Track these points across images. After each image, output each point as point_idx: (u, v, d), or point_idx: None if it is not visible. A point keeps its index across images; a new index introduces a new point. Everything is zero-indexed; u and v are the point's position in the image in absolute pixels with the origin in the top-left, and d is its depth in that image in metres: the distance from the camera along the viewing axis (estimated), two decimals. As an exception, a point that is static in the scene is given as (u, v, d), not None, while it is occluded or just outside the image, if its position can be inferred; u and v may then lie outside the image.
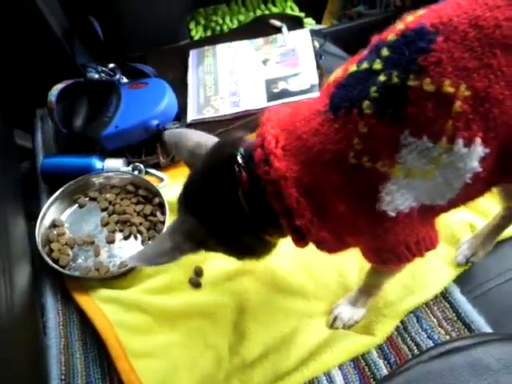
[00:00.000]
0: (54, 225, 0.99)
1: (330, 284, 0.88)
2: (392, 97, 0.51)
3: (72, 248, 0.96)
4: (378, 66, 0.53)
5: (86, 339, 0.85)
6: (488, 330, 0.78)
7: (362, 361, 0.79)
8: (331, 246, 0.65)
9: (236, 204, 0.61)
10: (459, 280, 0.85)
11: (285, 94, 1.15)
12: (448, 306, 0.83)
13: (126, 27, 1.19)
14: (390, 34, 0.54)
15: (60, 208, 1.01)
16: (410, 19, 0.54)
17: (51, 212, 0.99)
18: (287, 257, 0.92)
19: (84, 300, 0.88)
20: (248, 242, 0.66)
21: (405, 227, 0.60)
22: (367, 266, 0.86)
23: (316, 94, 1.16)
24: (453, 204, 0.61)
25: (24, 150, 1.18)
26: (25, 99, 1.19)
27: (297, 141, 0.57)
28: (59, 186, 1.01)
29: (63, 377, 0.81)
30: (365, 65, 0.54)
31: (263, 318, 0.85)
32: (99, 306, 0.86)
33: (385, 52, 0.53)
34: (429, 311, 0.83)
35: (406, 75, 0.50)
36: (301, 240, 0.61)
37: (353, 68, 0.56)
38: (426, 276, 0.84)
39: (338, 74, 0.58)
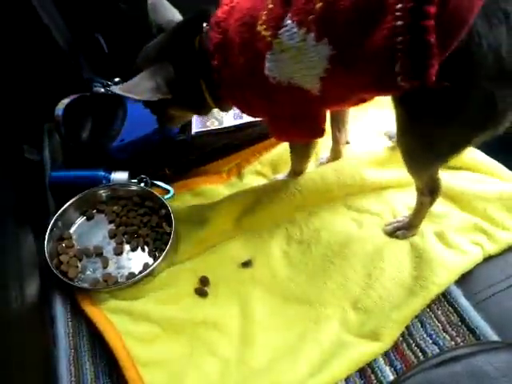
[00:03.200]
0: (62, 237, 1.01)
1: (334, 290, 0.88)
2: None
3: (80, 260, 0.98)
4: None
5: (96, 349, 0.86)
6: (492, 335, 0.78)
7: (368, 368, 0.79)
8: (244, 106, 0.84)
9: (194, 52, 0.81)
10: (463, 285, 0.86)
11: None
12: (452, 310, 0.83)
13: (129, 42, 1.21)
14: None
15: (68, 221, 1.03)
16: None
17: (59, 225, 1.01)
18: (291, 264, 0.94)
19: (93, 311, 0.89)
20: (196, 93, 0.84)
21: (288, 99, 0.76)
22: (372, 271, 0.88)
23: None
24: (328, 100, 0.76)
25: (32, 164, 1.20)
26: (32, 114, 1.21)
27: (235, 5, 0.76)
28: (67, 198, 1.02)
29: (73, 387, 0.82)
30: None
31: (269, 326, 0.86)
32: (108, 316, 0.88)
33: None
34: (433, 316, 0.83)
35: None
36: (221, 94, 0.82)
37: None
38: (427, 277, 0.85)
39: None
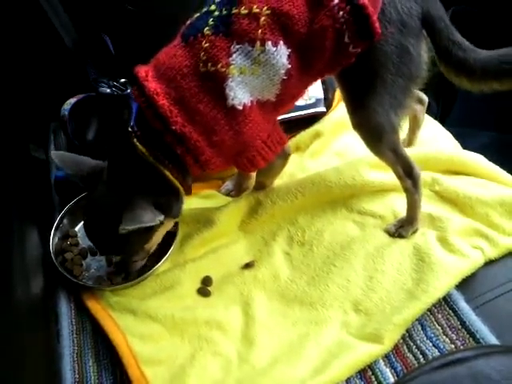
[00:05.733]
0: (67, 235, 1.01)
1: (336, 292, 0.89)
2: (222, 22, 0.75)
3: (85, 258, 0.98)
4: (212, 7, 0.77)
5: (99, 347, 0.87)
6: (492, 338, 0.79)
7: (369, 370, 0.79)
8: (212, 158, 0.80)
9: (141, 159, 0.79)
10: (463, 288, 0.86)
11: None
12: (452, 314, 0.84)
13: (136, 43, 1.22)
14: None
15: (73, 219, 1.03)
16: None
17: (64, 223, 1.01)
18: (293, 266, 0.94)
19: (97, 309, 0.90)
20: (168, 186, 0.82)
21: (254, 121, 0.79)
22: (374, 274, 0.89)
23: (321, 109, 1.19)
24: (282, 102, 0.82)
25: (38, 162, 1.21)
26: (38, 113, 1.22)
27: (161, 68, 0.77)
28: (72, 197, 1.03)
29: (77, 384, 0.82)
30: (204, 9, 0.78)
31: (271, 326, 0.86)
32: (111, 314, 0.89)
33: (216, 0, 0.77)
34: (433, 319, 0.84)
35: (230, 7, 0.75)
36: (193, 159, 0.78)
37: (196, 15, 0.79)
38: (429, 281, 0.85)
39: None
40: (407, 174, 0.91)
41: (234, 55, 0.75)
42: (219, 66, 0.74)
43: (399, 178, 0.92)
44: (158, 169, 0.80)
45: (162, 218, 0.80)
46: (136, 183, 0.80)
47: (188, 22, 0.80)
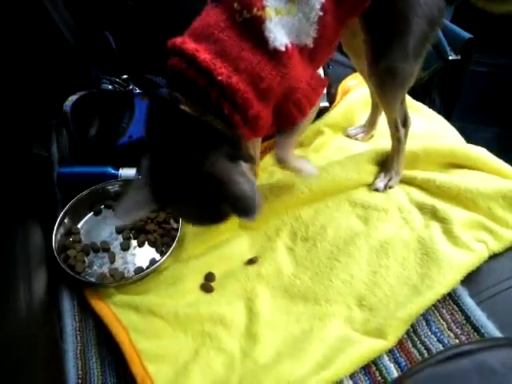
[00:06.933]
0: (70, 232, 1.01)
1: (340, 287, 0.89)
2: None
3: (88, 255, 0.98)
4: None
5: (102, 344, 0.87)
6: (497, 333, 0.78)
7: (373, 365, 0.79)
8: (260, 111, 0.76)
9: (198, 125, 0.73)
10: (468, 283, 0.86)
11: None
12: (457, 309, 0.83)
13: (138, 40, 1.22)
14: None
15: (76, 216, 1.03)
16: None
17: (67, 220, 1.01)
18: (296, 261, 0.94)
19: (100, 305, 0.90)
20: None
21: (297, 63, 0.77)
22: (378, 269, 0.88)
23: (324, 103, 1.18)
24: (318, 49, 0.79)
25: (40, 159, 1.21)
26: (41, 110, 1.22)
27: (197, 31, 0.74)
28: (75, 194, 1.03)
29: (80, 381, 0.82)
30: None
31: (275, 322, 0.86)
32: (114, 311, 0.88)
33: None
34: (438, 314, 0.83)
35: None
36: (241, 117, 0.73)
37: None
38: (433, 277, 0.85)
39: None
40: (403, 123, 0.97)
41: None
42: (254, 10, 0.72)
43: (395, 128, 0.98)
44: (217, 125, 0.73)
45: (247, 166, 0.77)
46: (207, 150, 0.73)
47: None
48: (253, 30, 0.73)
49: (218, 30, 0.73)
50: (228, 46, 0.72)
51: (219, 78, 0.70)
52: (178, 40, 0.74)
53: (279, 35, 0.73)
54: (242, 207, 0.72)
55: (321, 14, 0.76)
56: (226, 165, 0.73)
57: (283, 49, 0.74)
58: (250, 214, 0.72)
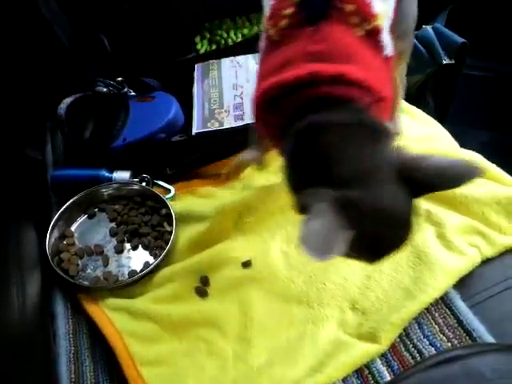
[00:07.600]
0: (63, 235, 1.01)
1: (333, 290, 0.89)
2: None
3: (81, 258, 0.98)
4: None
5: (95, 347, 0.86)
6: (489, 337, 0.79)
7: (366, 369, 0.79)
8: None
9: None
10: (460, 287, 0.86)
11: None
12: (449, 312, 0.84)
13: (133, 42, 1.22)
14: None
15: (69, 219, 1.03)
16: None
17: (61, 223, 1.01)
18: (290, 265, 0.94)
19: (93, 309, 0.89)
20: None
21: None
22: (371, 272, 0.89)
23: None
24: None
25: (34, 162, 1.20)
26: (35, 112, 1.22)
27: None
28: (69, 197, 1.03)
29: (73, 384, 0.82)
30: None
31: (268, 326, 0.86)
32: (108, 314, 0.88)
33: None
34: (430, 317, 0.84)
35: None
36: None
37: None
38: (426, 281, 0.85)
39: None
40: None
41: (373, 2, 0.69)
42: (372, 21, 0.69)
43: None
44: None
45: None
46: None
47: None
48: (371, 39, 0.70)
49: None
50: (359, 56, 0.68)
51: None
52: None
53: (387, 41, 0.72)
54: None
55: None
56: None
57: (391, 54, 0.73)
58: None
